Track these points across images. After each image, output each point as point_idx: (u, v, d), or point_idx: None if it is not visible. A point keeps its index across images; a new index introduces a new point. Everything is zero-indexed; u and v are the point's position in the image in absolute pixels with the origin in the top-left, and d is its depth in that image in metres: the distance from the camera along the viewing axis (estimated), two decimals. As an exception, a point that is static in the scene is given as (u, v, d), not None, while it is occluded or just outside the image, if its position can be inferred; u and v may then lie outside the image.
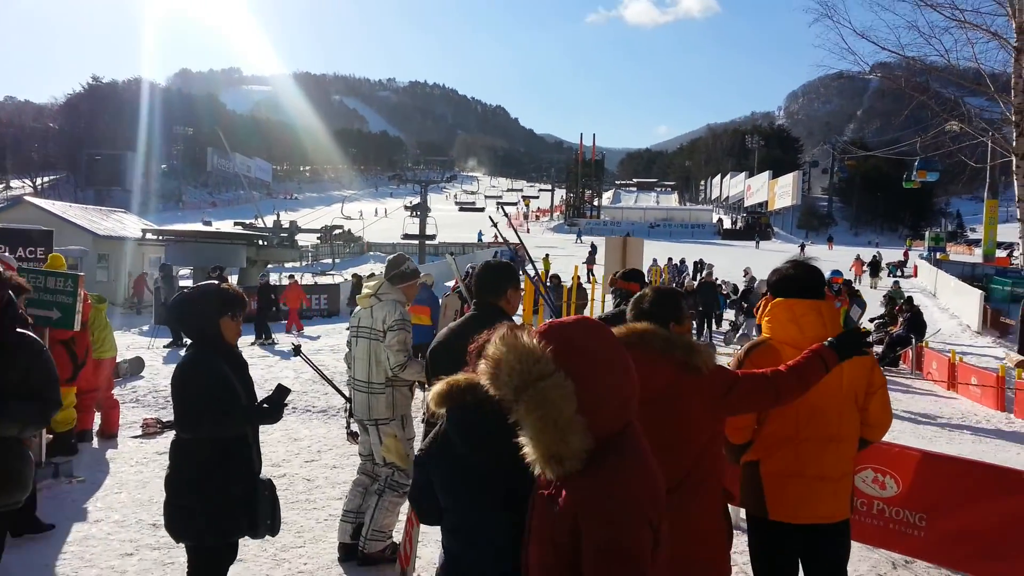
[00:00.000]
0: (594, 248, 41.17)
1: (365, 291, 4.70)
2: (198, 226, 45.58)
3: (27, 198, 35.06)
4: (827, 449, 2.76)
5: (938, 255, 43.18)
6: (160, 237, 30.67)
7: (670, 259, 32.92)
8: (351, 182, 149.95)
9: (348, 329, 4.80)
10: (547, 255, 40.53)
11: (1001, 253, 45.52)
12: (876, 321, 17.53)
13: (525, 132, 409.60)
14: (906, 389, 12.51)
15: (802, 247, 60.16)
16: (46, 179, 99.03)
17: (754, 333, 14.66)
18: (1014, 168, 14.15)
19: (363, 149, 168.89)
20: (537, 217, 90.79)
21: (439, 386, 2.13)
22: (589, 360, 1.70)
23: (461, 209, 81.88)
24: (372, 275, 5.08)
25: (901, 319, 16.43)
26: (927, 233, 63.65)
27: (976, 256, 45.40)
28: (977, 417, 10.15)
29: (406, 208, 56.29)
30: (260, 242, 31.50)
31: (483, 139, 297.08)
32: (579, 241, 58.80)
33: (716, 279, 21.02)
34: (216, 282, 3.32)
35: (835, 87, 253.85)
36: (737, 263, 32.40)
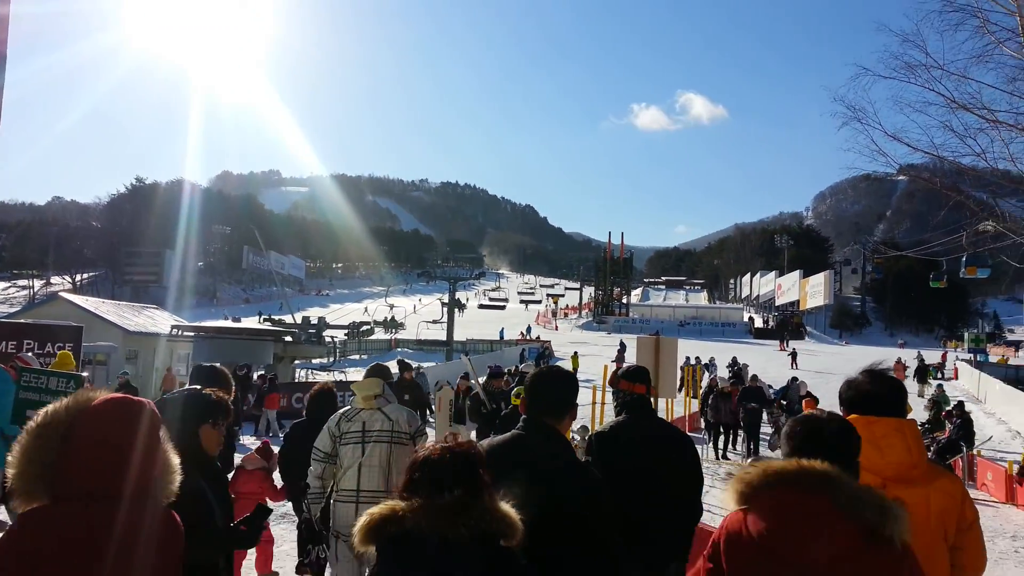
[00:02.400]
0: (623, 346, 40.64)
1: (365, 392, 4.34)
2: (228, 323, 46.16)
3: (62, 294, 35.72)
4: None
5: (994, 358, 42.03)
6: (187, 333, 30.86)
7: (697, 358, 31.99)
8: (382, 279, 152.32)
9: (340, 437, 4.24)
10: (576, 352, 40.10)
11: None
12: (922, 427, 16.69)
13: (554, 230, 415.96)
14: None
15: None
16: (85, 276, 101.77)
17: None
18: (1061, 268, 13.65)
19: (394, 247, 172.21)
20: (566, 314, 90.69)
21: (360, 521, 1.90)
22: None
23: (481, 307, 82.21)
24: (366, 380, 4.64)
25: (950, 425, 15.63)
26: (966, 334, 62.26)
27: (1020, 358, 43.97)
28: (1045, 536, 9.31)
29: (442, 303, 56.74)
30: (287, 338, 31.56)
31: (513, 236, 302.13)
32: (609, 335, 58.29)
33: (761, 383, 19.60)
34: (198, 387, 3.02)
35: (863, 188, 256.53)
36: (771, 362, 31.59)
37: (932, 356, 42.05)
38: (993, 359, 44.78)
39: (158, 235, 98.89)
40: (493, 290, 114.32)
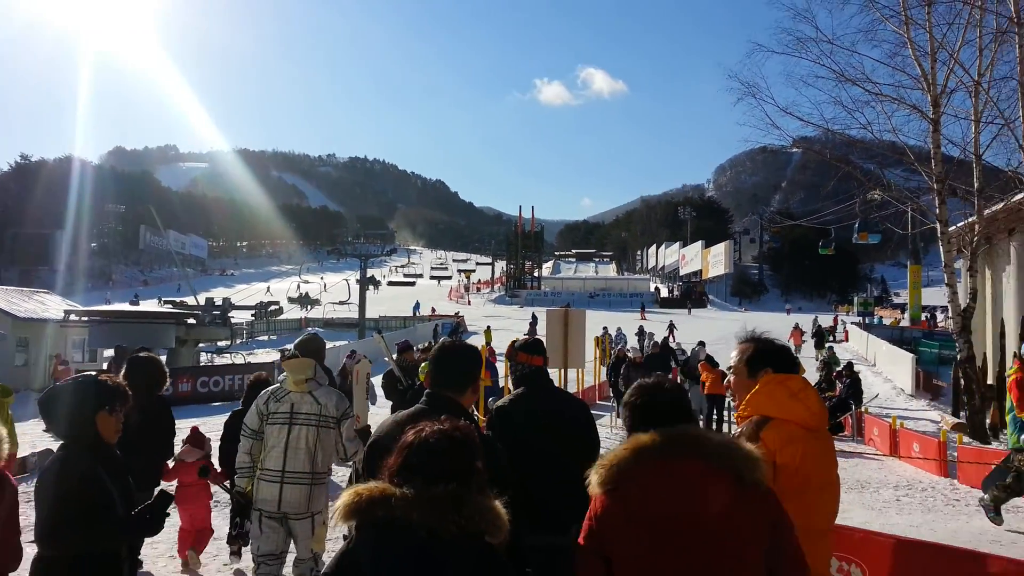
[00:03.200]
0: (534, 319, 41.11)
1: (296, 375, 4.32)
2: (126, 306, 44.05)
3: (-61, 279, 33.22)
4: (824, 542, 2.55)
5: (885, 320, 44.63)
6: (81, 318, 29.31)
7: (604, 328, 32.65)
8: (290, 257, 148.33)
9: (268, 416, 4.28)
10: (488, 327, 40.33)
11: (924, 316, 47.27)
12: (815, 387, 17.68)
13: (465, 205, 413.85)
14: (850, 456, 12.45)
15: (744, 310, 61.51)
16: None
17: (700, 404, 14.51)
18: (939, 234, 14.65)
19: (302, 224, 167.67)
20: (479, 289, 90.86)
21: (346, 496, 1.82)
22: None
23: (391, 283, 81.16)
24: (293, 355, 4.62)
25: (840, 385, 16.60)
26: (855, 298, 65.98)
27: (904, 320, 46.96)
28: (922, 484, 10.08)
29: (349, 282, 55.67)
30: (190, 320, 30.38)
31: (424, 212, 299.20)
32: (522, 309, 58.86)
33: (673, 347, 20.09)
34: (94, 373, 2.92)
35: (760, 160, 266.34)
36: (676, 329, 32.65)
37: (825, 320, 44.42)
38: (887, 321, 47.63)
39: (47, 216, 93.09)
40: (403, 266, 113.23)
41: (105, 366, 21.55)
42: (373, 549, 1.76)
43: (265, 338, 46.10)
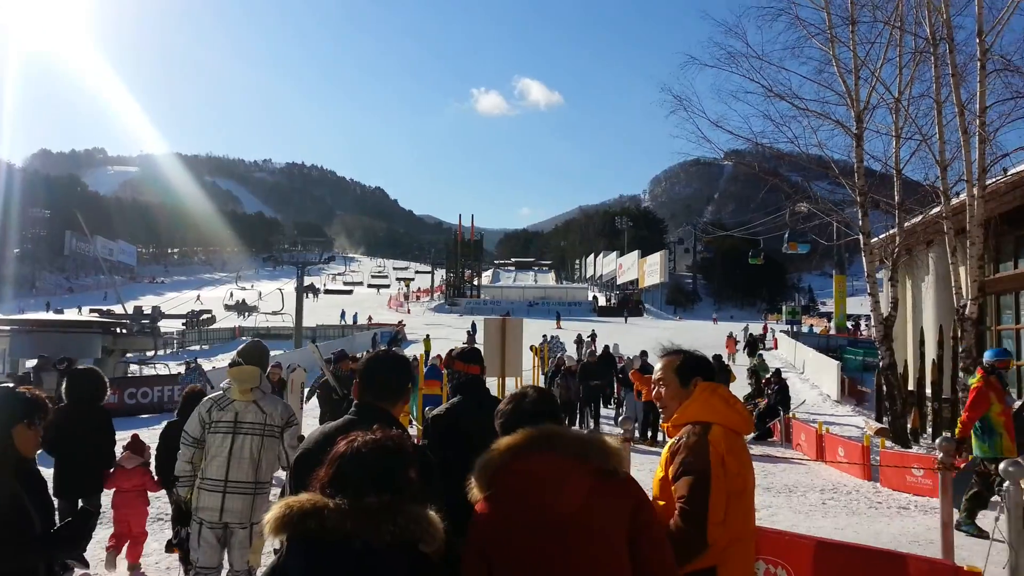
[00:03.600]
0: (473, 327, 41.10)
1: (243, 383, 4.27)
2: (43, 314, 42.25)
3: None
4: (751, 546, 2.64)
5: (817, 328, 46.07)
6: (5, 327, 27.94)
7: (544, 336, 33.06)
8: (224, 264, 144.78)
9: (211, 425, 4.23)
10: (427, 335, 40.14)
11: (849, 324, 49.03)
12: (744, 396, 18.14)
13: (405, 213, 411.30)
14: (778, 460, 12.82)
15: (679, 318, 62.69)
16: None
17: (636, 412, 14.72)
18: (862, 246, 15.23)
19: (237, 231, 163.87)
20: (418, 297, 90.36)
21: (276, 509, 1.79)
22: None
23: (327, 292, 79.58)
24: (237, 363, 4.56)
25: (768, 392, 17.06)
26: (784, 307, 68.03)
27: (831, 328, 48.58)
28: (847, 487, 10.45)
29: (282, 292, 54.53)
30: (118, 329, 29.31)
31: (363, 219, 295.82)
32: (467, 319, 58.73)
33: (613, 355, 20.14)
34: (11, 384, 2.81)
35: (694, 171, 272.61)
36: (612, 338, 33.03)
37: (755, 329, 45.67)
38: (817, 330, 49.12)
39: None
40: (340, 274, 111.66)
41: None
42: (305, 562, 1.73)
43: (197, 348, 44.84)
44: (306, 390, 11.85)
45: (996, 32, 12.27)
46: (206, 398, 4.39)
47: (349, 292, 65.57)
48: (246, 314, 57.79)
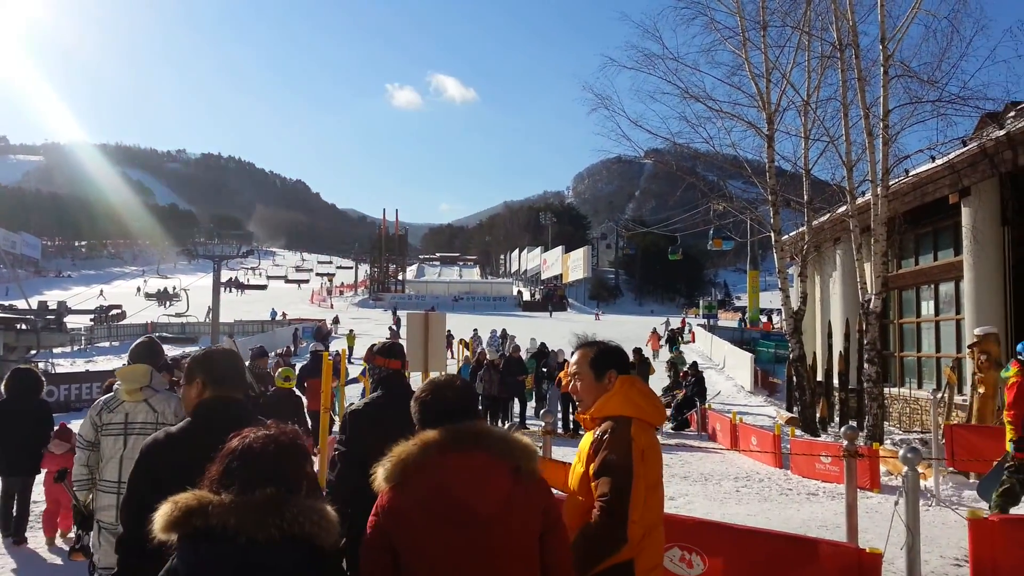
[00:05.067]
0: (398, 322, 40.76)
1: (129, 384, 4.17)
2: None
3: None
4: (662, 530, 2.67)
5: (734, 323, 47.36)
6: None
7: (475, 330, 33.14)
8: (135, 258, 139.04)
9: (102, 427, 4.14)
10: (351, 331, 39.56)
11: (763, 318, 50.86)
12: (663, 388, 18.59)
13: (327, 207, 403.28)
14: (695, 450, 13.19)
15: (597, 316, 63.68)
16: None
17: (558, 406, 14.91)
18: (774, 243, 15.80)
19: (149, 223, 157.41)
20: (341, 292, 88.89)
21: (163, 508, 1.75)
22: None
23: (241, 287, 76.62)
24: (129, 363, 4.46)
25: (686, 384, 17.54)
26: (701, 302, 70.12)
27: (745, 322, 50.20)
28: (760, 475, 10.84)
29: (224, 284, 52.53)
30: (21, 326, 27.72)
31: (284, 213, 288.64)
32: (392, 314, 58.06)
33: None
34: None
35: (616, 169, 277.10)
36: (537, 333, 33.33)
37: (674, 323, 46.82)
38: (734, 324, 50.59)
39: None
40: (252, 269, 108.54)
41: None
42: (192, 561, 1.70)
43: (107, 344, 42.88)
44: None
45: (897, 39, 12.91)
46: (97, 400, 4.33)
47: (263, 287, 62.67)
48: (168, 303, 55.61)
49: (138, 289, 57.92)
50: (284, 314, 55.44)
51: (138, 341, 4.68)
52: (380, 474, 2.07)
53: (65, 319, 33.85)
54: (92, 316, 50.43)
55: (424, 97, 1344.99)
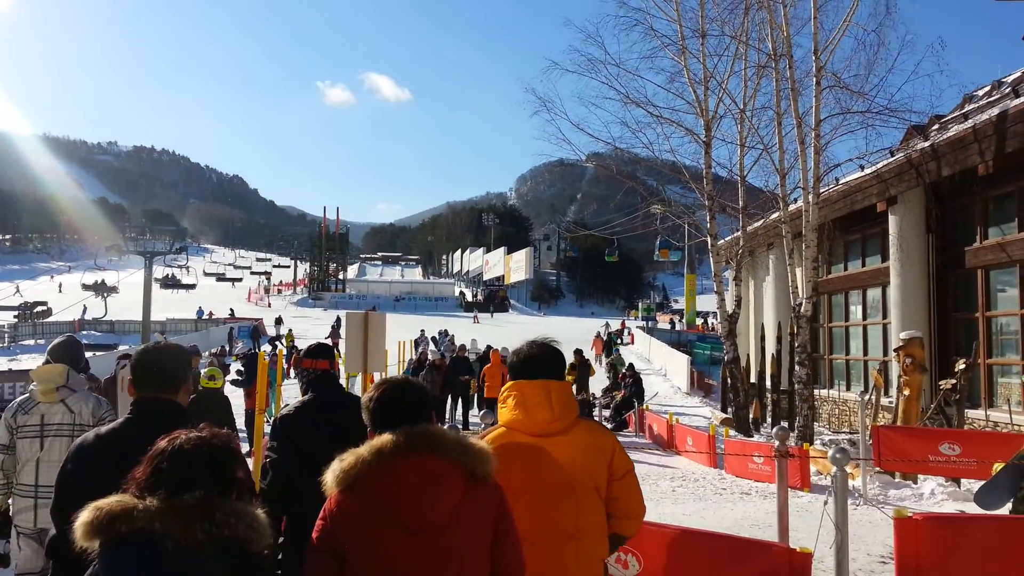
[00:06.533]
0: (338, 321, 40.18)
1: (45, 384, 4.02)
2: None
3: None
4: (566, 548, 2.49)
5: (676, 324, 48.13)
6: None
7: (422, 331, 32.92)
8: (62, 253, 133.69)
9: (17, 430, 4.00)
10: (290, 330, 38.90)
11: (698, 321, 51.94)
12: (603, 389, 18.81)
13: (265, 203, 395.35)
14: (632, 450, 13.33)
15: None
16: None
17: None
18: (710, 247, 16.13)
19: (78, 216, 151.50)
20: (279, 291, 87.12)
21: (86, 514, 1.69)
22: None
23: (164, 286, 73.35)
24: (46, 362, 4.30)
25: (624, 385, 17.77)
26: (640, 304, 71.15)
27: (682, 325, 51.16)
28: (695, 475, 11.03)
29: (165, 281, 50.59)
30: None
31: (219, 209, 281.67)
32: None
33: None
34: None
35: (558, 172, 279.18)
36: (480, 335, 33.34)
37: (615, 325, 47.42)
38: (678, 326, 51.33)
39: None
40: (180, 267, 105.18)
41: None
42: (115, 567, 1.64)
43: (31, 342, 41.07)
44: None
45: (829, 51, 13.34)
46: (13, 402, 4.19)
47: (191, 287, 59.19)
48: (106, 294, 53.54)
49: (84, 285, 55.63)
50: (211, 313, 54.08)
51: (57, 340, 4.52)
52: (329, 477, 2.01)
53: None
54: (16, 313, 48.41)
55: (357, 96, 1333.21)
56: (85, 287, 55.59)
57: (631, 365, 19.01)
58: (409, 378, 2.34)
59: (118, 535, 1.65)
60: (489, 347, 19.24)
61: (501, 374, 15.13)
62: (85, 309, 49.02)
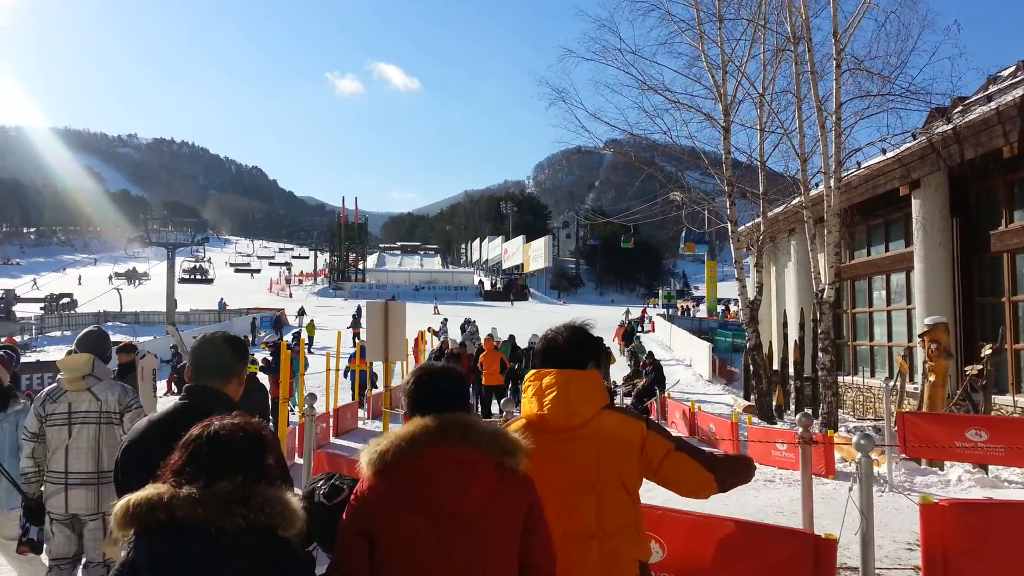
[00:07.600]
0: (359, 311, 40.41)
1: (71, 373, 4.14)
2: None
3: None
4: (589, 548, 2.37)
5: (695, 313, 47.84)
6: None
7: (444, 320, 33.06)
8: (86, 245, 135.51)
9: (46, 418, 4.12)
10: (312, 321, 39.11)
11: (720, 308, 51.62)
12: (624, 377, 18.77)
13: (285, 194, 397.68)
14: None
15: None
16: None
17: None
18: (730, 233, 16.00)
19: (100, 209, 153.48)
20: (300, 281, 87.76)
21: (122, 503, 1.71)
22: None
23: (181, 281, 73.63)
24: (71, 351, 4.41)
25: (645, 373, 17.73)
26: (660, 291, 70.94)
27: (702, 311, 50.92)
28: (717, 462, 10.98)
29: (185, 273, 51.28)
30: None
31: (239, 200, 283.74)
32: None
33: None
34: None
35: (576, 159, 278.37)
36: (499, 323, 33.40)
37: (635, 312, 47.26)
38: (700, 314, 51.11)
39: None
40: (200, 260, 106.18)
41: None
42: (155, 554, 1.66)
43: (58, 334, 41.69)
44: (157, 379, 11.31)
45: (849, 34, 13.13)
46: (41, 392, 4.29)
47: (209, 281, 59.40)
48: (137, 282, 54.47)
49: (116, 274, 56.65)
50: (225, 304, 54.68)
51: (86, 330, 4.61)
52: (363, 459, 2.02)
53: (14, 308, 32.96)
54: (43, 305, 49.16)
55: (367, 86, 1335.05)
56: (118, 275, 56.50)
57: (650, 353, 18.95)
58: (447, 365, 2.31)
59: (156, 523, 1.67)
60: (511, 336, 19.24)
61: (499, 360, 15.13)
62: (120, 297, 49.77)
